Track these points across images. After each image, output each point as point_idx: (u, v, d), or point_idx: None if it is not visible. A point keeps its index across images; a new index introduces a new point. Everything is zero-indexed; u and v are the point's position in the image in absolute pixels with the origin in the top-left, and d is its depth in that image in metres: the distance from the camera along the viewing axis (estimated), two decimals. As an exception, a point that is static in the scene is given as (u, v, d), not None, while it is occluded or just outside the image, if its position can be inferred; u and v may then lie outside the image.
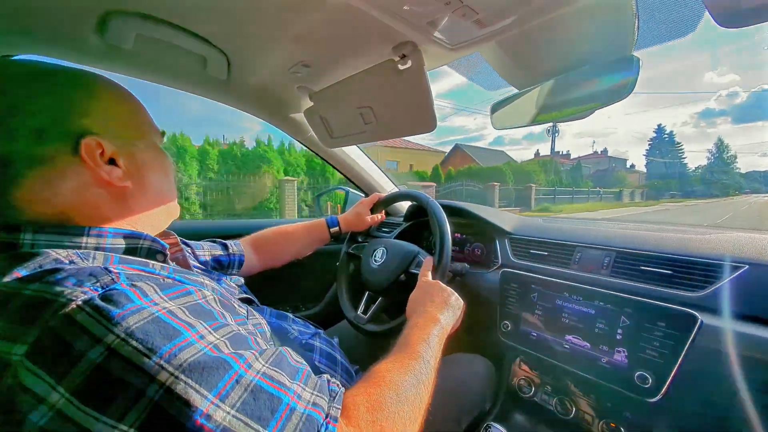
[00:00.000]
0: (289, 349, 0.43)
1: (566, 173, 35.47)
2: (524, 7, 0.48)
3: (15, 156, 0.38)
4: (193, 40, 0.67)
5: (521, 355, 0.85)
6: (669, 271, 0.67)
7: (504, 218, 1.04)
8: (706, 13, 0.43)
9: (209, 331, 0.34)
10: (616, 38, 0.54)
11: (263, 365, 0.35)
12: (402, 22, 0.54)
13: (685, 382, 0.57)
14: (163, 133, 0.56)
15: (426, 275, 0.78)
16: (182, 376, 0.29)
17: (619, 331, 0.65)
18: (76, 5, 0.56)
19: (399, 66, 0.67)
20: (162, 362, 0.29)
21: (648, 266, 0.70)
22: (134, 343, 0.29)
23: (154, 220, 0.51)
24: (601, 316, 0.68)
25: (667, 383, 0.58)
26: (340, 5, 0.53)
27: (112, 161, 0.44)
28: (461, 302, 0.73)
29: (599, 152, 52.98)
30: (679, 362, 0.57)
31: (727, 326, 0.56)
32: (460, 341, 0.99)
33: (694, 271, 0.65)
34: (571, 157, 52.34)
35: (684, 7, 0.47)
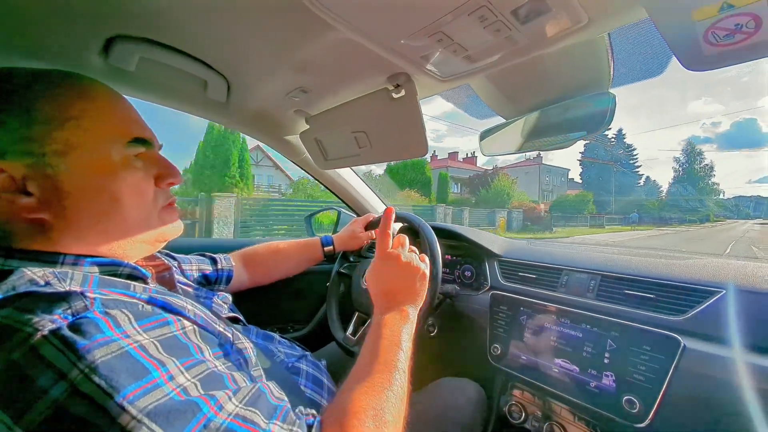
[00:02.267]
0: (271, 383, 0.42)
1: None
2: (510, 47, 0.52)
3: None
4: (195, 64, 0.69)
5: (511, 379, 0.85)
6: (652, 295, 0.69)
7: (494, 241, 1.06)
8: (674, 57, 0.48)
9: (180, 371, 0.33)
10: (594, 76, 0.59)
11: (236, 405, 0.34)
12: (397, 55, 0.58)
13: (673, 407, 0.58)
14: (143, 142, 0.45)
15: (385, 244, 0.64)
16: (145, 420, 0.28)
17: (607, 354, 0.66)
18: (83, 28, 0.58)
19: (393, 94, 0.70)
20: (125, 403, 0.27)
21: (632, 290, 0.72)
22: (97, 379, 0.27)
23: (126, 247, 0.45)
24: (589, 339, 0.69)
25: (655, 408, 0.58)
26: (339, 38, 0.56)
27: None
28: (427, 276, 0.65)
29: (532, 158, 41.42)
30: (664, 387, 0.58)
31: (709, 350, 0.57)
32: (448, 365, 0.98)
33: (675, 296, 0.67)
34: (479, 164, 38.40)
35: (653, 50, 0.51)
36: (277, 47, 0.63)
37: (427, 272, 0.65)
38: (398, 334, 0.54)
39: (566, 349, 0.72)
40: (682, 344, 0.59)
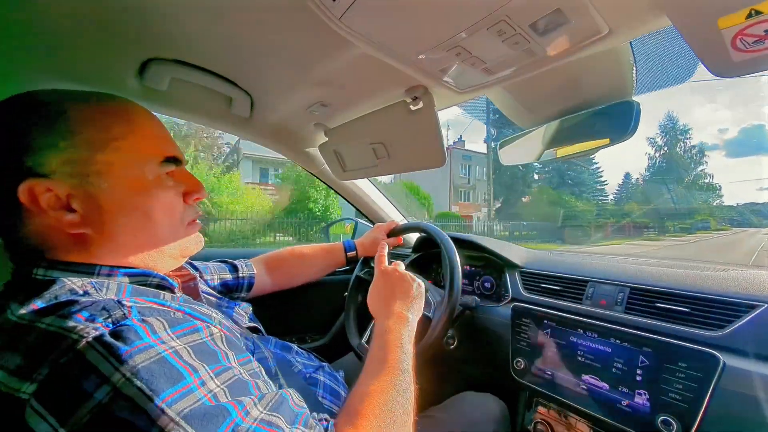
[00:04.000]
0: (291, 391, 0.43)
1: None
2: (529, 58, 0.52)
3: None
4: (222, 82, 0.73)
5: (536, 396, 0.82)
6: (686, 309, 0.65)
7: (514, 251, 1.04)
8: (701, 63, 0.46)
9: (211, 377, 0.34)
10: (616, 84, 0.58)
11: (261, 411, 0.35)
12: (415, 68, 0.59)
13: (714, 428, 0.54)
14: (174, 160, 0.48)
15: (382, 262, 0.72)
16: (182, 423, 0.29)
17: (639, 371, 0.63)
18: (121, 53, 0.62)
19: (411, 107, 0.71)
20: (163, 406, 0.29)
21: (664, 303, 0.68)
22: (138, 383, 0.29)
23: (155, 260, 0.48)
24: (619, 355, 0.66)
25: (694, 429, 0.55)
26: (359, 53, 0.58)
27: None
28: (423, 287, 0.70)
29: (455, 142, 27.67)
30: (704, 407, 0.55)
31: (752, 368, 0.54)
32: (469, 378, 0.96)
33: (712, 310, 0.63)
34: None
35: (679, 57, 0.50)
36: (299, 64, 0.66)
37: (423, 284, 0.70)
38: (399, 337, 0.56)
39: (594, 364, 0.69)
40: (722, 362, 0.55)
